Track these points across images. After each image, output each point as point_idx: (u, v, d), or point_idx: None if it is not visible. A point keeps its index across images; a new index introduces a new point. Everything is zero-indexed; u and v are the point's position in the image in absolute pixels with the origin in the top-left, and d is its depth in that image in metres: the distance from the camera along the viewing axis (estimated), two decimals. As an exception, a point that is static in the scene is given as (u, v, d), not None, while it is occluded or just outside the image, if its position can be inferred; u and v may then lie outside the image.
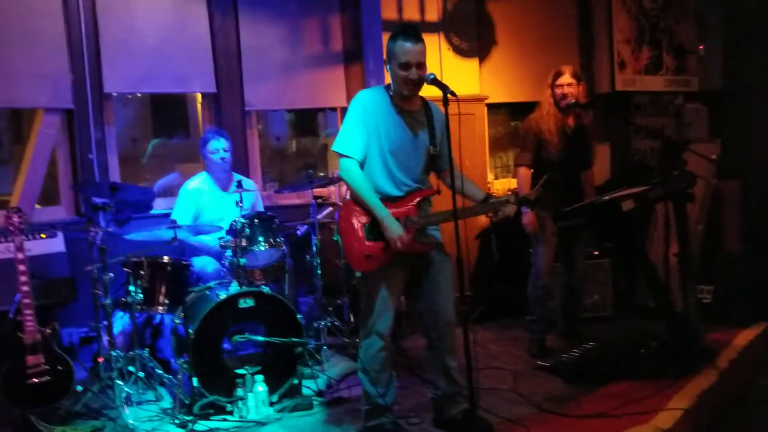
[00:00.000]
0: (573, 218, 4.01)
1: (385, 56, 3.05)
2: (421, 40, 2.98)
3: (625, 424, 3.19)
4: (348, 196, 3.15)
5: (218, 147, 4.38)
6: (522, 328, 4.50)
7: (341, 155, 3.03)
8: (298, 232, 4.69)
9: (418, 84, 3.00)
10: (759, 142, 6.12)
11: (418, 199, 3.05)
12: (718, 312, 4.76)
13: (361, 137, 3.00)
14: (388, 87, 3.10)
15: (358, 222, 2.98)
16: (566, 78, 4.10)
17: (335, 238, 3.04)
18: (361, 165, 3.03)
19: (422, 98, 3.14)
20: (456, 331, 3.16)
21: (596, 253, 5.02)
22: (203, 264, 4.28)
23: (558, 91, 4.12)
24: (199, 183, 4.48)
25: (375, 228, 2.97)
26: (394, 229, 2.94)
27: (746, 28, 6.11)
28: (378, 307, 3.04)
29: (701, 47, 6.48)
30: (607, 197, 3.95)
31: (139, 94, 7.48)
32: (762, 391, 4.02)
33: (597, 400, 3.51)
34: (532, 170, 4.19)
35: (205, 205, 4.41)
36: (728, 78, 6.35)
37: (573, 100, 4.08)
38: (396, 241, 2.94)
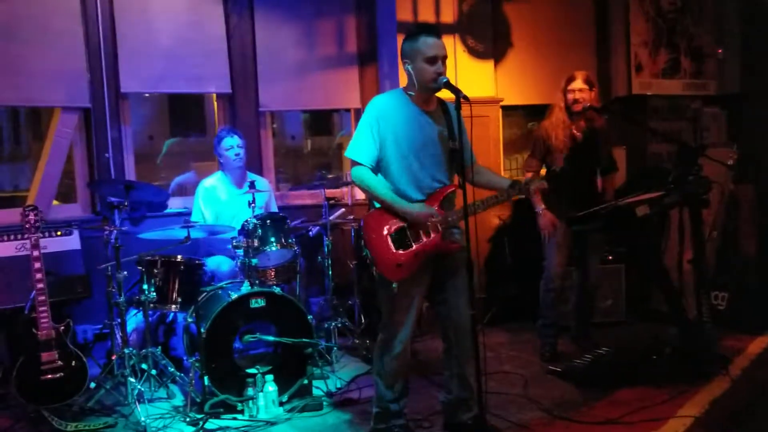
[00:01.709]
0: (587, 222, 4.00)
1: (402, 57, 3.03)
2: (440, 37, 3.01)
3: (635, 432, 3.18)
4: (370, 207, 3.14)
5: (233, 144, 4.42)
6: (534, 332, 4.48)
7: (353, 162, 3.06)
8: (310, 232, 4.70)
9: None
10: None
11: (440, 199, 3.05)
12: (732, 318, 4.71)
13: (373, 144, 3.01)
14: (405, 89, 3.10)
15: (385, 232, 2.97)
16: (578, 83, 4.10)
17: (365, 253, 3.02)
18: (375, 171, 3.04)
19: (437, 97, 3.14)
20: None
21: (610, 257, 4.99)
22: (217, 263, 4.32)
23: (570, 96, 4.12)
24: (214, 181, 4.52)
25: (402, 236, 2.97)
26: (419, 210, 2.95)
27: (765, 31, 6.04)
28: (400, 314, 3.04)
29: (719, 50, 6.41)
30: (621, 202, 3.93)
31: (156, 93, 7.56)
32: (776, 399, 3.97)
33: (608, 407, 3.49)
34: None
35: (221, 203, 4.45)
36: (746, 82, 6.27)
37: (587, 104, 4.07)
38: (424, 217, 2.93)
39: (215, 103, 5.47)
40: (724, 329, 4.51)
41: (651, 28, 6.06)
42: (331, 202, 4.73)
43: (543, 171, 4.21)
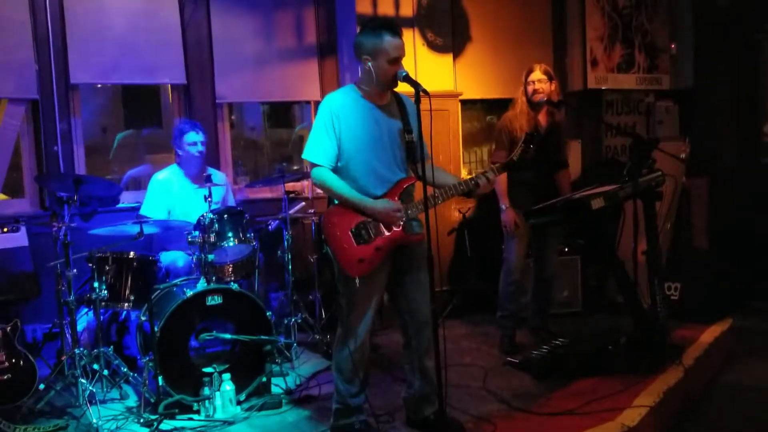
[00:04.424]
0: (544, 215, 4.03)
1: (361, 52, 2.98)
2: (401, 36, 3.01)
3: (592, 422, 3.20)
4: (329, 203, 3.11)
5: (196, 140, 4.31)
6: (494, 324, 4.51)
7: (312, 164, 3.01)
8: (270, 227, 4.64)
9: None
10: (728, 140, 6.21)
11: (399, 193, 3.03)
12: (684, 309, 4.82)
13: (331, 143, 2.98)
14: (356, 84, 3.07)
15: (345, 228, 2.94)
16: (537, 74, 4.14)
17: (324, 250, 2.99)
18: (336, 171, 3.00)
19: (391, 90, 3.12)
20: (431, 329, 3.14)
21: (566, 249, 5.06)
22: (173, 259, 4.22)
23: (530, 87, 4.15)
24: (168, 174, 4.41)
25: (363, 231, 2.95)
26: (383, 207, 2.93)
27: (717, 27, 6.18)
28: (359, 308, 3.02)
29: (673, 46, 6.55)
30: (577, 196, 3.97)
31: (108, 84, 7.34)
32: (728, 387, 4.07)
33: (565, 397, 3.53)
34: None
35: (174, 197, 4.35)
36: (699, 76, 6.42)
37: (545, 97, 4.11)
38: (389, 214, 2.92)
39: (170, 95, 5.35)
40: (677, 319, 4.62)
41: (606, 23, 6.16)
42: (291, 195, 4.67)
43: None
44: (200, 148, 4.33)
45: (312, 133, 3.02)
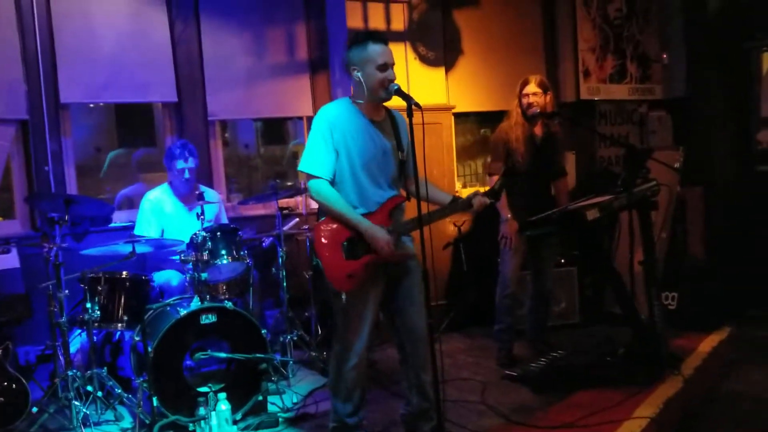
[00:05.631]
0: (540, 227, 4.02)
1: (349, 65, 2.97)
2: (388, 44, 2.99)
3: (592, 435, 3.19)
4: (320, 216, 3.07)
5: (185, 167, 4.28)
6: (491, 337, 4.48)
7: (309, 175, 2.96)
8: (264, 244, 4.61)
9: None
10: (722, 148, 6.22)
11: (389, 209, 3.00)
12: (682, 318, 4.81)
13: (329, 155, 2.93)
14: (352, 98, 3.04)
15: (336, 241, 2.90)
16: (532, 87, 4.14)
17: (315, 262, 2.97)
18: (331, 183, 2.96)
19: (385, 107, 3.11)
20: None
21: (563, 261, 5.04)
22: (167, 278, 4.18)
23: (524, 100, 4.15)
24: (160, 194, 4.38)
25: (353, 246, 2.91)
26: (380, 234, 2.89)
27: (709, 36, 6.22)
28: (355, 324, 2.98)
29: (664, 56, 6.58)
30: (572, 206, 3.96)
31: (99, 103, 7.33)
32: (727, 396, 4.05)
33: (564, 410, 3.51)
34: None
35: (166, 216, 4.32)
36: (691, 85, 6.45)
37: (539, 109, 4.11)
38: (384, 245, 2.88)
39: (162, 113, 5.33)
40: (675, 329, 4.61)
41: (598, 34, 6.19)
42: (285, 212, 4.65)
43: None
44: (187, 175, 4.29)
45: (309, 145, 2.97)
